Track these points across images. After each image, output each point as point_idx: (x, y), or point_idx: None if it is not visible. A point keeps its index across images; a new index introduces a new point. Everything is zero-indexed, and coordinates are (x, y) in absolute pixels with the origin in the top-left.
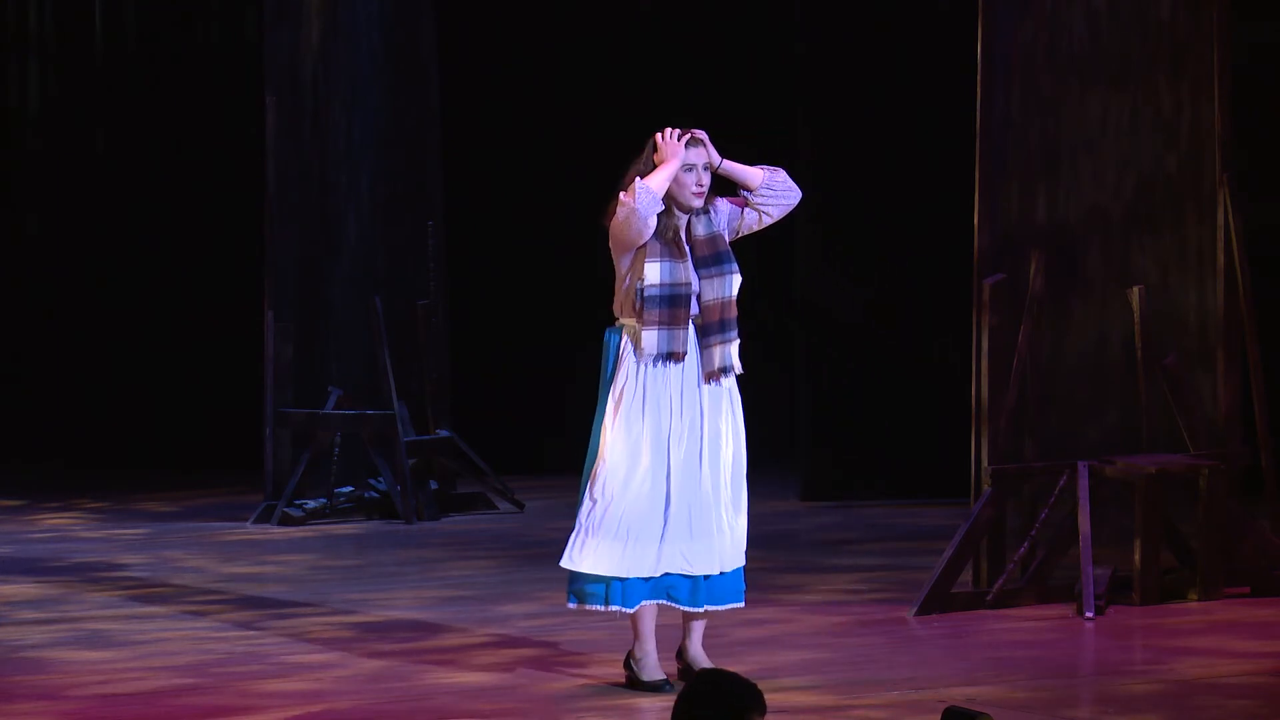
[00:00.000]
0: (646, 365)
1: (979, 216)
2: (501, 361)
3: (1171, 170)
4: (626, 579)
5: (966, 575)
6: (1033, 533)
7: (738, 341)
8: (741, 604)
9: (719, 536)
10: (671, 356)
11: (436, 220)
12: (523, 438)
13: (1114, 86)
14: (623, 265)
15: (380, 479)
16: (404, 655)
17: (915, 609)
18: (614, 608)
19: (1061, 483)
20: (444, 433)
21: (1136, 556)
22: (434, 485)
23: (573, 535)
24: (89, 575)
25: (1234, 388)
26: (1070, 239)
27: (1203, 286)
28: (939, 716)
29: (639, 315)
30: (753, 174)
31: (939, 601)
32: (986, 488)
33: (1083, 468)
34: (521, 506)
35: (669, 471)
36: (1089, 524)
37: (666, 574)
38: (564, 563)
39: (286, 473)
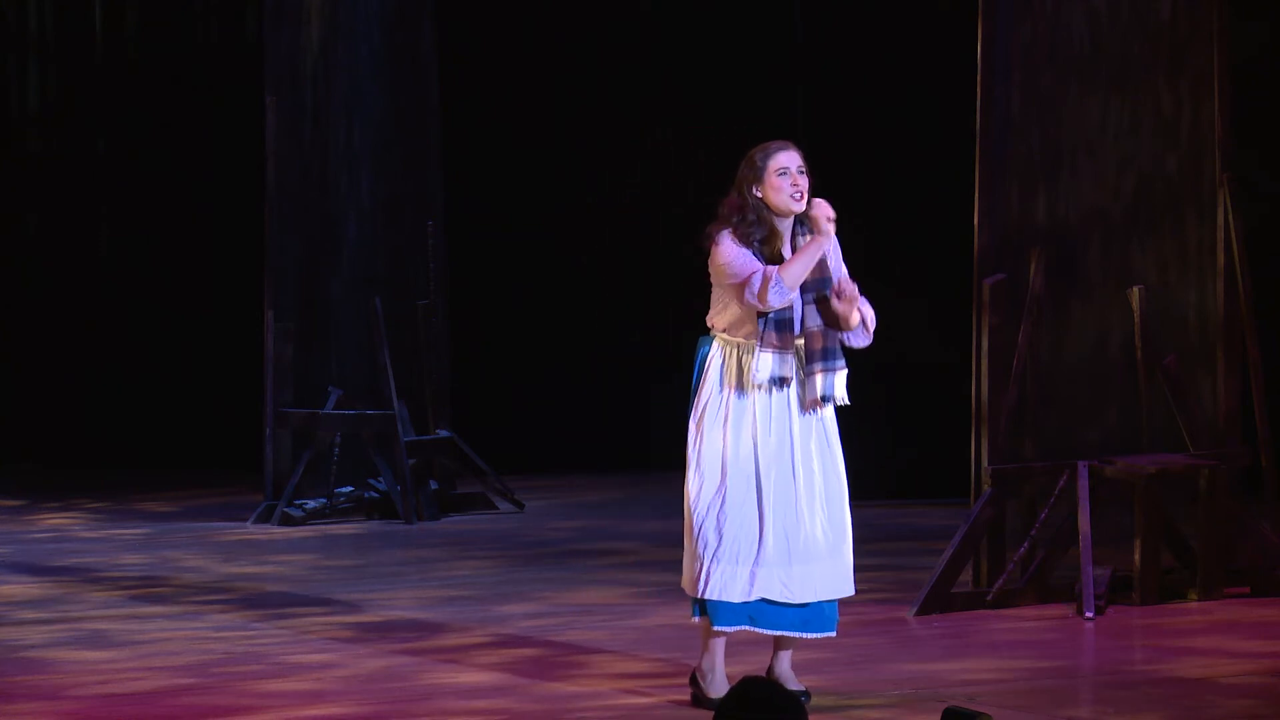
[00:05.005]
0: (737, 383)
1: (979, 216)
2: (502, 361)
3: (1171, 170)
4: (715, 601)
5: (966, 575)
6: (1033, 533)
7: (845, 370)
8: (833, 633)
9: (818, 563)
10: (783, 381)
11: (436, 220)
12: (523, 438)
13: (1114, 86)
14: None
15: (380, 479)
16: (404, 655)
17: (915, 609)
18: (705, 619)
19: (1061, 483)
20: (444, 433)
21: (1136, 556)
22: (434, 485)
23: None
24: (89, 575)
25: (1234, 388)
26: (1070, 239)
27: (1203, 286)
28: (939, 716)
29: (760, 337)
30: (854, 318)
31: (939, 601)
32: (986, 488)
33: (1083, 468)
34: (521, 506)
35: (760, 493)
36: (1089, 524)
37: (762, 599)
38: (684, 584)
39: (286, 473)
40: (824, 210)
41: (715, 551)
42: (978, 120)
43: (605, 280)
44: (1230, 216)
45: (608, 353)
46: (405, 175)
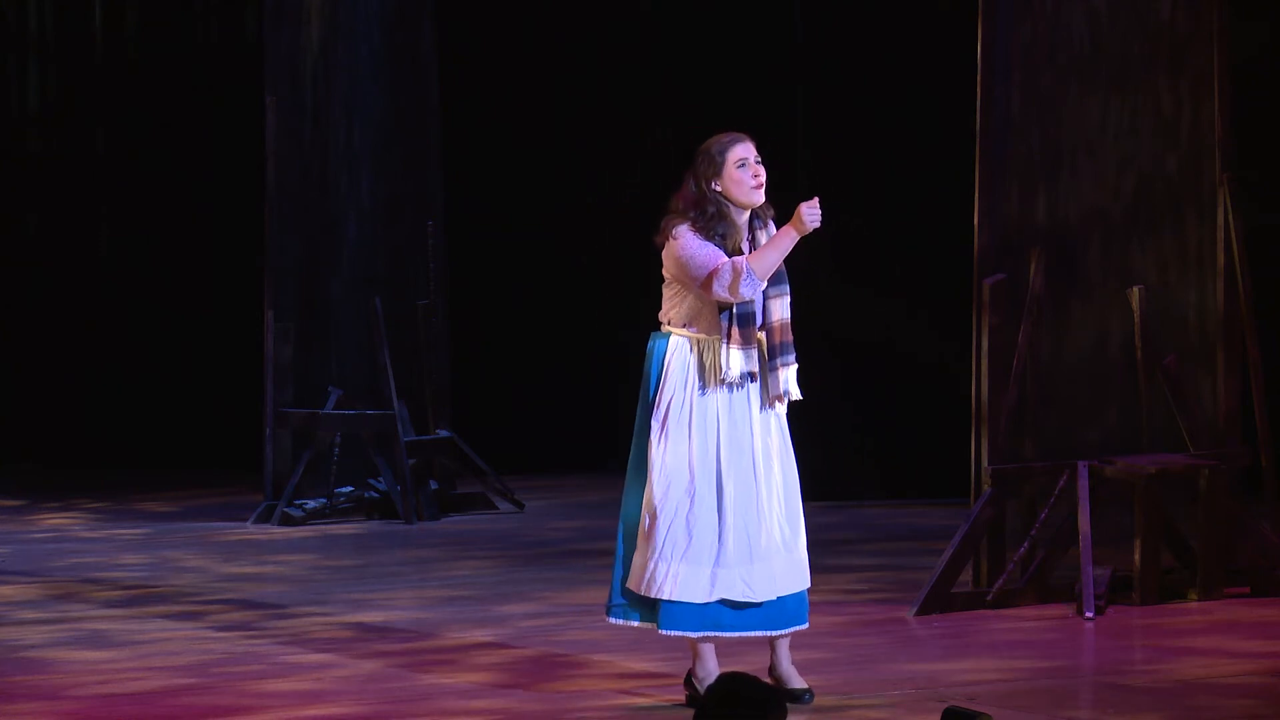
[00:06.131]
0: (699, 381)
1: (979, 216)
2: (502, 361)
3: (1171, 170)
4: (675, 602)
5: (966, 575)
6: (1033, 533)
7: (796, 366)
8: (805, 625)
9: (776, 559)
10: (750, 376)
11: (436, 220)
12: (523, 438)
13: (1114, 86)
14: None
15: (380, 479)
16: (404, 655)
17: (915, 609)
18: (648, 625)
19: (1061, 483)
20: (444, 433)
21: (1136, 556)
22: (434, 485)
23: (634, 556)
24: (89, 575)
25: (1234, 388)
26: (1070, 239)
27: (1203, 286)
28: (939, 716)
29: (725, 333)
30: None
31: (939, 601)
32: (986, 488)
33: (1083, 468)
34: (521, 506)
35: (721, 493)
36: (1089, 524)
37: (721, 600)
38: (630, 584)
39: (286, 473)
40: (810, 205)
41: (684, 552)
42: (978, 120)
43: (605, 280)
44: (1230, 216)
45: (608, 353)
46: (405, 175)
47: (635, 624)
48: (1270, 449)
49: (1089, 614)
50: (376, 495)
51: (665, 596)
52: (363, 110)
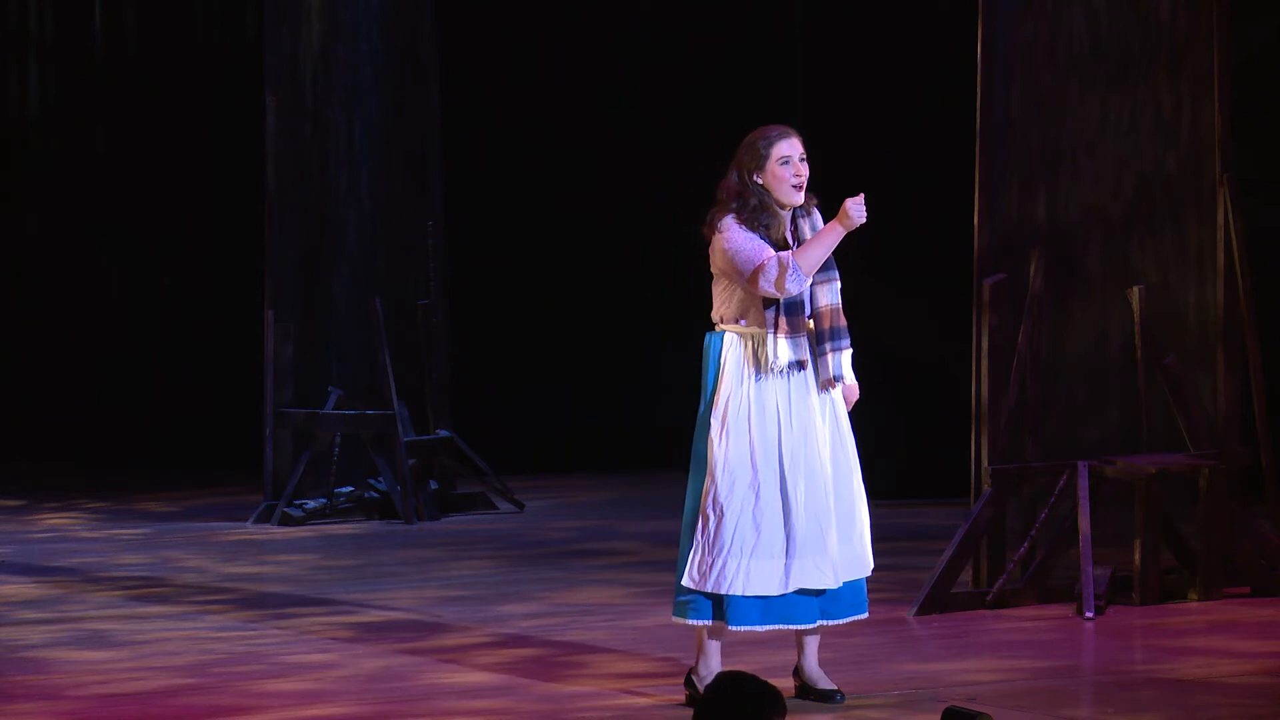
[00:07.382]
0: (755, 374)
1: (979, 216)
2: (502, 361)
3: (1171, 170)
4: (745, 597)
5: (966, 575)
6: (1033, 533)
7: (850, 350)
8: (864, 614)
9: (844, 546)
10: (800, 364)
11: (436, 220)
12: (523, 438)
13: (1114, 86)
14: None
15: (380, 479)
16: (404, 655)
17: (915, 609)
18: (717, 623)
19: (1061, 483)
20: (444, 433)
21: (1136, 556)
22: (434, 485)
23: (691, 553)
24: (89, 575)
25: (1234, 387)
26: (1070, 239)
27: (1203, 286)
28: (939, 716)
29: (773, 323)
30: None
31: (939, 601)
32: (986, 488)
33: (1083, 468)
34: (521, 506)
35: (784, 483)
36: (1089, 524)
37: (798, 591)
38: (685, 581)
39: (286, 473)
40: (856, 200)
41: (754, 548)
42: (978, 120)
43: (605, 280)
44: (1230, 216)
45: (608, 352)
46: (405, 175)
47: (700, 623)
48: (1270, 449)
49: (1089, 614)
50: (376, 495)
51: (737, 592)
52: (363, 110)
